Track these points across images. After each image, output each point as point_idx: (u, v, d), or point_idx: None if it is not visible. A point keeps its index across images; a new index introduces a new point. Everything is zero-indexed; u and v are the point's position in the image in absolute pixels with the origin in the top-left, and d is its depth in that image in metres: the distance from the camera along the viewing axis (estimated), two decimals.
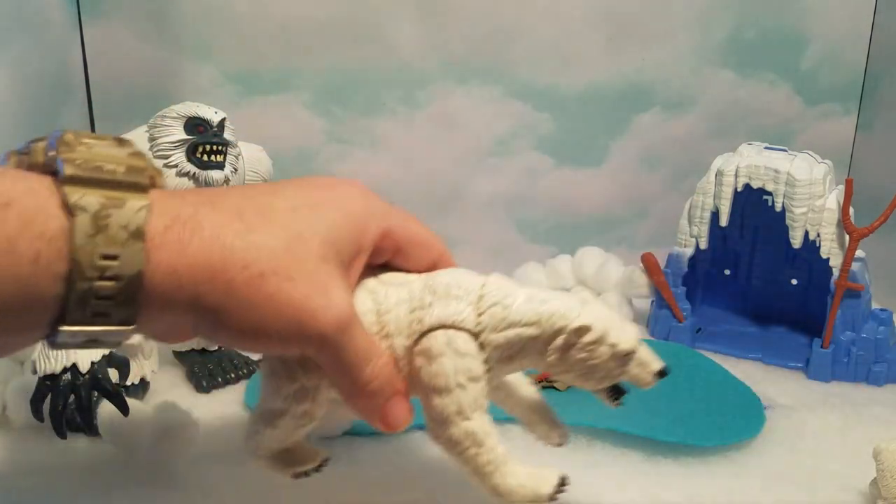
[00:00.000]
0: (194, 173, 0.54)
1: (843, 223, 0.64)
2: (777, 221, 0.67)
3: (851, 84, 0.84)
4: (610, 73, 0.82)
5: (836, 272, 0.65)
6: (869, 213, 0.64)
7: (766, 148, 0.68)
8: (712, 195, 0.68)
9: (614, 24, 0.80)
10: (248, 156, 0.59)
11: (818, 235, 0.64)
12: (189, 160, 0.54)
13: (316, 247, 0.33)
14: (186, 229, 0.29)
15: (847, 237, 0.64)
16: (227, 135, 0.55)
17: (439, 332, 0.38)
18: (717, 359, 0.66)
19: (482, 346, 0.38)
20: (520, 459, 0.53)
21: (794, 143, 0.82)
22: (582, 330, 0.38)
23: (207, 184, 0.54)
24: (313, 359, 0.35)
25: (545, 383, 0.60)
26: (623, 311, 0.75)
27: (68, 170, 0.28)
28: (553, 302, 0.38)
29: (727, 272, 0.77)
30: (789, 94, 0.84)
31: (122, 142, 0.31)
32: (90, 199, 0.27)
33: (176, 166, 0.54)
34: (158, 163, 0.53)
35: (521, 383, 0.45)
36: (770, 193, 0.66)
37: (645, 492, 0.50)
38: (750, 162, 0.66)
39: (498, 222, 0.86)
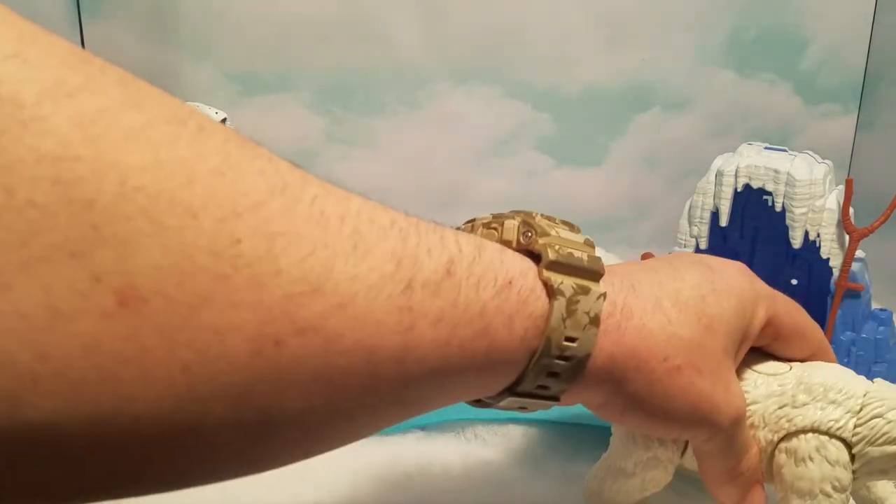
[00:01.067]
0: None
1: (843, 223, 0.64)
2: (777, 221, 0.67)
3: (851, 84, 0.84)
4: (610, 73, 0.82)
5: (836, 272, 0.65)
6: (869, 213, 0.64)
7: (766, 148, 0.68)
8: (712, 195, 0.68)
9: (614, 25, 0.80)
10: None
11: (818, 236, 0.64)
12: None
13: (721, 339, 0.34)
14: (623, 317, 0.31)
15: (847, 237, 0.64)
16: None
17: (810, 436, 0.38)
18: None
19: (854, 458, 0.37)
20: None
21: (794, 143, 0.82)
22: None
23: None
24: (697, 444, 0.36)
25: None
26: None
27: (551, 255, 0.30)
28: None
29: None
30: (789, 94, 0.84)
31: (572, 227, 0.33)
32: (566, 285, 0.29)
33: None
34: None
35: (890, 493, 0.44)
36: (770, 193, 0.66)
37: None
38: (750, 162, 0.66)
39: None
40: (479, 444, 0.54)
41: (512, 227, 0.32)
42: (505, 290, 0.28)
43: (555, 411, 0.57)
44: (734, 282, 0.36)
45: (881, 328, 0.65)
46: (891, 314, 0.66)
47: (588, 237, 0.33)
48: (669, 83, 0.83)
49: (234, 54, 0.77)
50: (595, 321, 0.30)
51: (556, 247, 0.30)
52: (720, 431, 0.34)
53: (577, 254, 0.31)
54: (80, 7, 0.74)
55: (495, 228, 0.33)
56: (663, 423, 0.33)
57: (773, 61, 0.83)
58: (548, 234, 0.31)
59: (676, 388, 0.32)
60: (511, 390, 0.30)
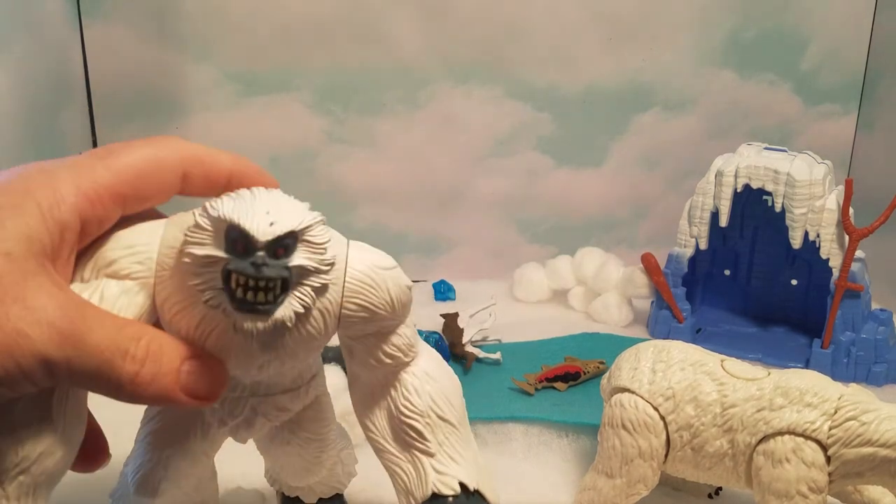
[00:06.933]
0: (226, 310, 0.31)
1: (843, 223, 0.64)
2: (777, 221, 0.67)
3: (851, 84, 0.84)
4: (610, 73, 0.82)
5: (835, 272, 0.65)
6: (869, 213, 0.64)
7: (766, 148, 0.68)
8: (712, 195, 0.68)
9: (614, 24, 0.80)
10: (356, 276, 0.34)
11: (818, 236, 0.64)
12: (225, 292, 0.31)
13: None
14: None
15: (847, 237, 0.64)
16: (298, 255, 0.31)
17: (787, 438, 0.39)
18: None
19: (830, 459, 0.38)
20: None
21: (794, 143, 0.82)
22: None
23: (248, 334, 0.31)
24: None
25: (545, 383, 0.60)
26: (623, 312, 0.75)
27: None
28: None
29: (727, 272, 0.77)
30: (789, 94, 0.84)
31: None
32: None
33: (203, 293, 0.31)
34: (184, 286, 0.32)
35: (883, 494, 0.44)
36: (770, 194, 0.66)
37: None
38: (750, 162, 0.66)
39: (498, 222, 0.86)
40: (479, 444, 0.54)
41: None
42: None
43: (555, 411, 0.57)
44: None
45: (881, 328, 0.65)
46: (891, 314, 0.66)
47: None
48: (669, 83, 0.83)
49: (234, 54, 0.77)
50: None
51: None
52: (50, 363, 0.28)
53: None
54: (80, 7, 0.74)
55: None
56: None
57: (773, 61, 0.83)
58: None
59: None
60: None
